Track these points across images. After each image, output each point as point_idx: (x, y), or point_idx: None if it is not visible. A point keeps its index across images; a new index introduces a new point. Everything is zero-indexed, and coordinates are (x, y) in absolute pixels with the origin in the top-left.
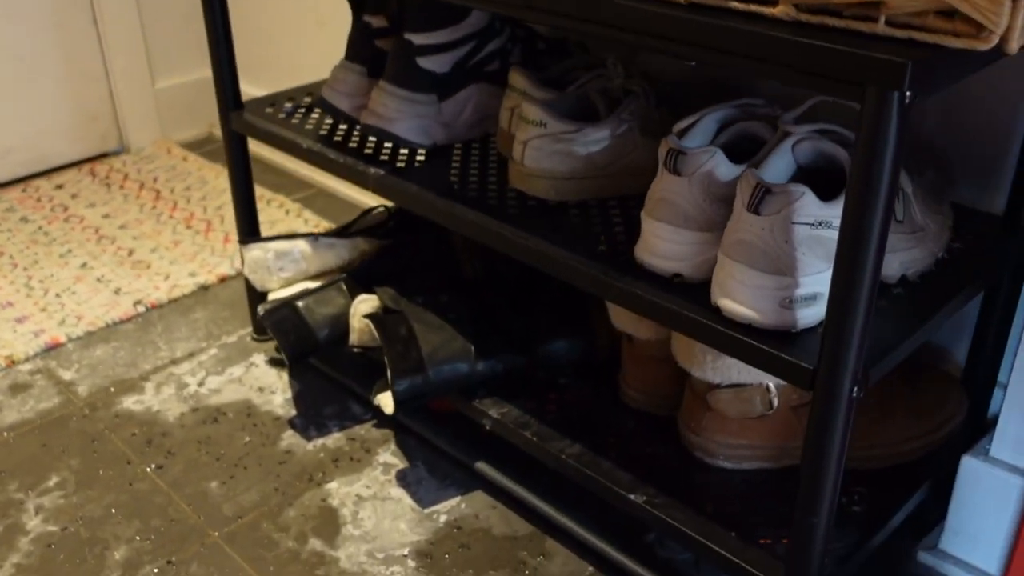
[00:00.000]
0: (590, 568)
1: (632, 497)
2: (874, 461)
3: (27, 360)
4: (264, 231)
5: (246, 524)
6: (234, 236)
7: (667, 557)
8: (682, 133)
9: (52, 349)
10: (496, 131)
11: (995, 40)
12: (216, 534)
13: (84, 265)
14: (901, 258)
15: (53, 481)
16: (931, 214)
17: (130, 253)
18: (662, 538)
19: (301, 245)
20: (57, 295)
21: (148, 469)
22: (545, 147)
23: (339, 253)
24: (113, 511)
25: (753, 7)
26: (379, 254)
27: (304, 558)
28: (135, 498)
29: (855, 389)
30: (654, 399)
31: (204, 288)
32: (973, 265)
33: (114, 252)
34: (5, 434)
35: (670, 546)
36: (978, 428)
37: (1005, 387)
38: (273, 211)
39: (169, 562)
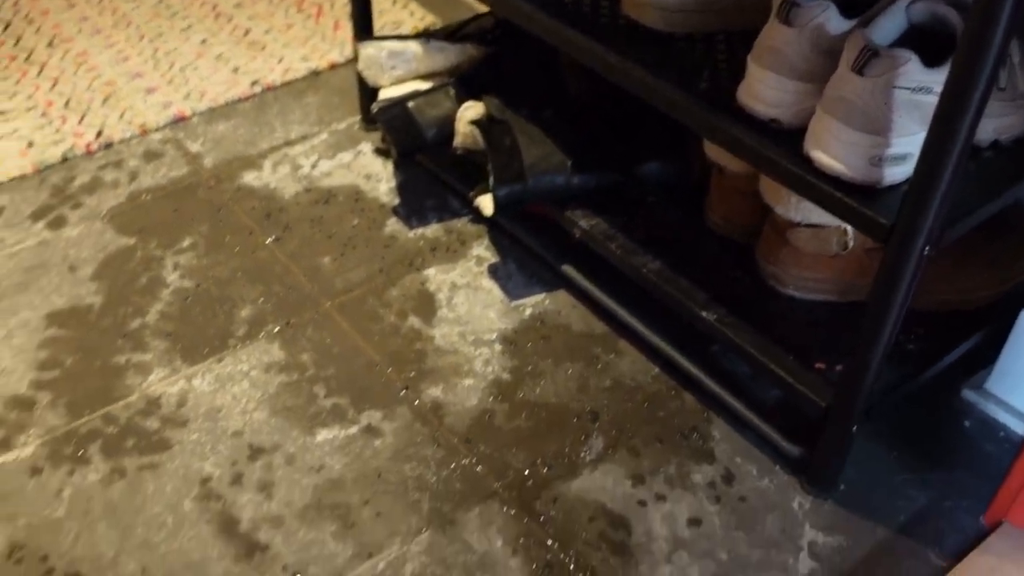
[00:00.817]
0: (656, 369)
1: (704, 314)
2: (940, 305)
3: (158, 130)
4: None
5: (354, 298)
6: (344, 23)
7: (728, 369)
8: None
9: (179, 121)
10: None
11: None
12: (328, 304)
13: (204, 42)
14: (996, 124)
15: (186, 243)
16: None
17: (246, 33)
18: (726, 351)
19: (413, 47)
20: (181, 69)
21: (268, 240)
22: None
23: (448, 57)
24: (239, 274)
25: None
26: (486, 61)
27: (404, 332)
28: (257, 265)
29: (927, 248)
30: (736, 228)
31: (315, 73)
32: None
33: (231, 31)
34: (144, 196)
35: (732, 359)
36: None
37: None
38: (379, 0)
39: (288, 323)
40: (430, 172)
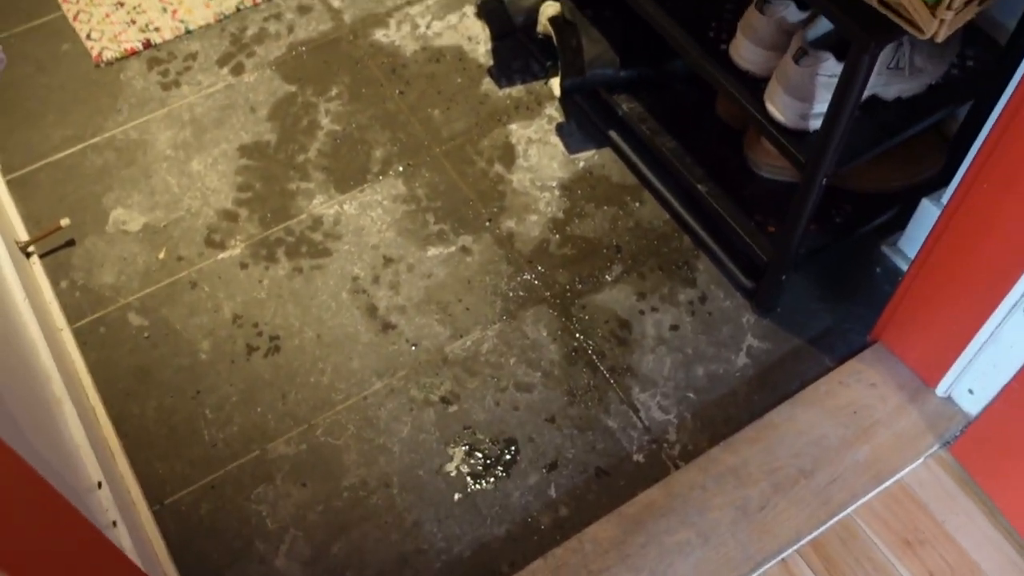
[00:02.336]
0: (667, 215)
1: (699, 186)
2: (865, 188)
3: None
4: None
5: (456, 146)
6: None
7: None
8: None
9: None
10: None
11: (928, 36)
12: (437, 150)
13: None
14: (897, 88)
15: (334, 92)
16: (932, 59)
17: None
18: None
19: None
20: None
21: (395, 93)
22: None
23: None
24: (373, 121)
25: None
26: None
27: (491, 176)
28: (386, 113)
29: (824, 179)
30: (734, 118)
31: None
32: (955, 93)
33: None
34: (301, 48)
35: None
36: (948, 176)
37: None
38: None
39: (409, 164)
40: (518, 39)
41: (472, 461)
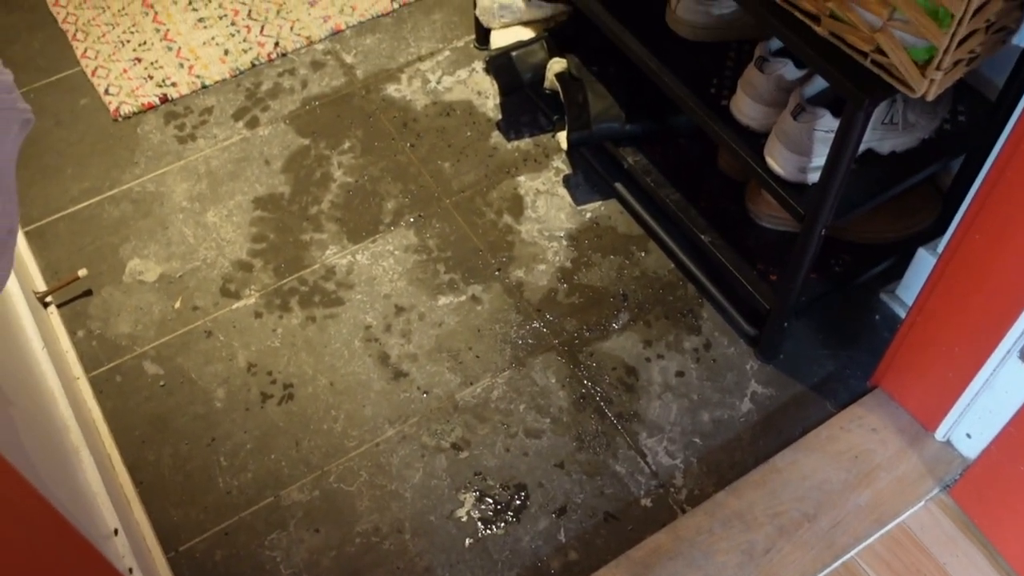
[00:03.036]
0: (672, 265)
1: (703, 236)
2: (863, 240)
3: (320, 42)
4: None
5: (466, 197)
6: None
7: (718, 271)
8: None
9: (336, 34)
10: None
11: (919, 94)
12: (447, 201)
13: None
14: (892, 142)
15: (347, 145)
16: (925, 115)
17: None
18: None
19: (519, 2)
20: None
21: (406, 146)
22: (691, 7)
23: (544, 11)
24: (385, 174)
25: (809, 21)
26: (572, 17)
27: (500, 227)
28: (398, 166)
29: (823, 230)
30: (735, 170)
31: None
32: (948, 147)
33: None
34: (314, 103)
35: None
36: (943, 226)
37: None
38: None
39: (420, 215)
40: (525, 94)
41: (483, 506)
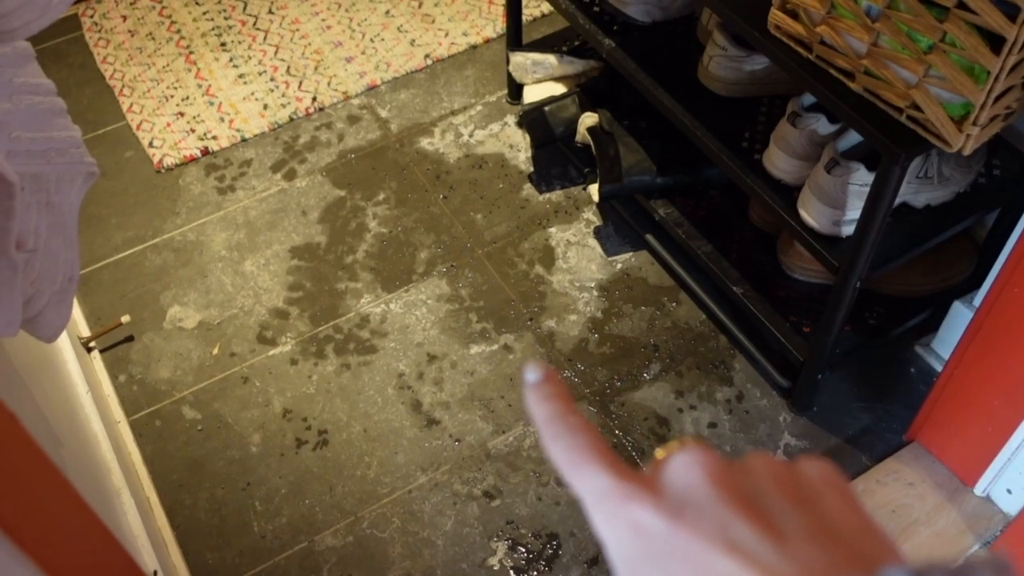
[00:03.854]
0: (703, 316)
1: (735, 288)
2: (897, 292)
3: (356, 96)
4: None
5: (498, 248)
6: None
7: (751, 323)
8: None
9: (371, 89)
10: (700, 14)
11: (955, 149)
12: (480, 252)
13: (387, 13)
14: (926, 196)
15: (381, 196)
16: (959, 168)
17: (420, 5)
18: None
19: (551, 59)
20: (371, 40)
21: (439, 197)
22: (723, 63)
23: (576, 67)
24: (418, 224)
25: (843, 78)
26: (603, 72)
27: (531, 278)
28: (431, 217)
29: (858, 283)
30: (767, 223)
31: (473, 47)
32: (983, 200)
33: (408, 2)
34: (350, 155)
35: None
36: (979, 279)
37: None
38: None
39: (452, 266)
40: (557, 147)
41: (515, 555)
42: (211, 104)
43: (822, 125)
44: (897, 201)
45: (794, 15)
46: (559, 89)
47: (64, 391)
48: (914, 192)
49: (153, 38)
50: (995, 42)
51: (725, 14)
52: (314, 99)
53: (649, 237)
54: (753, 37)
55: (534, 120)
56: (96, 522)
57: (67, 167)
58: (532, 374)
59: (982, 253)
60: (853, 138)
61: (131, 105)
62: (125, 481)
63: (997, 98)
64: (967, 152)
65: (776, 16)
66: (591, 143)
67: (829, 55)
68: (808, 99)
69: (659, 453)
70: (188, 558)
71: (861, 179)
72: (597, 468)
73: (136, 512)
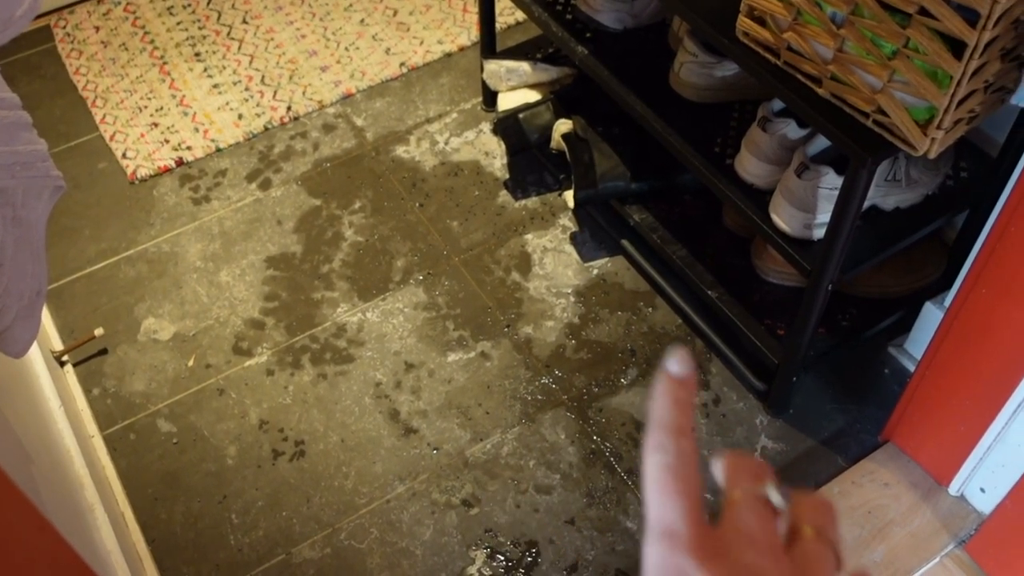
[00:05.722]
0: (679, 320)
1: (709, 292)
2: (870, 294)
3: (331, 105)
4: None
5: (474, 255)
6: (471, 6)
7: (727, 326)
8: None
9: (347, 98)
10: (671, 21)
11: (921, 152)
12: (456, 259)
13: (362, 22)
14: (896, 199)
15: (357, 205)
16: (927, 171)
17: (395, 13)
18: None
19: (525, 66)
20: (346, 49)
21: (415, 205)
22: (694, 69)
23: (550, 74)
24: (395, 233)
25: (810, 83)
26: (577, 79)
27: (508, 284)
28: (407, 225)
29: (830, 285)
30: (740, 227)
31: (448, 55)
32: (951, 202)
33: (383, 11)
34: (326, 164)
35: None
36: (949, 280)
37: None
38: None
39: (429, 273)
40: (532, 154)
41: (494, 563)
42: (185, 114)
43: (792, 130)
44: (866, 204)
45: (762, 22)
46: (533, 96)
47: (36, 406)
48: (883, 195)
49: (126, 48)
50: (957, 47)
51: (694, 21)
52: (289, 108)
53: (625, 242)
54: (722, 44)
55: (509, 127)
56: (62, 544)
57: (33, 181)
58: (676, 366)
59: (952, 254)
60: (822, 142)
61: (104, 116)
62: (99, 496)
63: (960, 102)
64: (932, 155)
65: (744, 23)
66: (566, 149)
67: (796, 61)
68: (778, 104)
69: (722, 472)
70: (164, 573)
71: (830, 183)
72: (680, 504)
73: (110, 527)
